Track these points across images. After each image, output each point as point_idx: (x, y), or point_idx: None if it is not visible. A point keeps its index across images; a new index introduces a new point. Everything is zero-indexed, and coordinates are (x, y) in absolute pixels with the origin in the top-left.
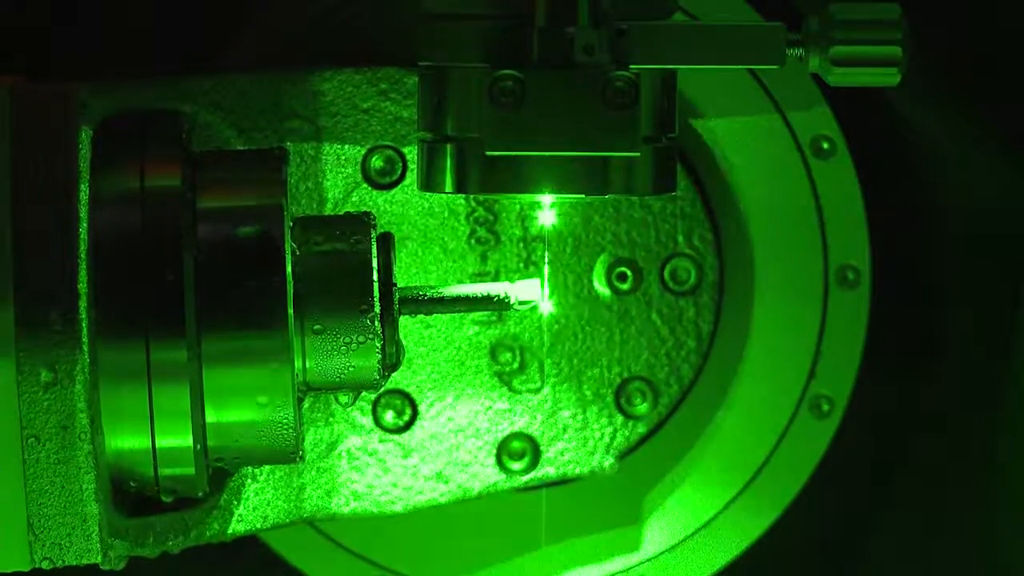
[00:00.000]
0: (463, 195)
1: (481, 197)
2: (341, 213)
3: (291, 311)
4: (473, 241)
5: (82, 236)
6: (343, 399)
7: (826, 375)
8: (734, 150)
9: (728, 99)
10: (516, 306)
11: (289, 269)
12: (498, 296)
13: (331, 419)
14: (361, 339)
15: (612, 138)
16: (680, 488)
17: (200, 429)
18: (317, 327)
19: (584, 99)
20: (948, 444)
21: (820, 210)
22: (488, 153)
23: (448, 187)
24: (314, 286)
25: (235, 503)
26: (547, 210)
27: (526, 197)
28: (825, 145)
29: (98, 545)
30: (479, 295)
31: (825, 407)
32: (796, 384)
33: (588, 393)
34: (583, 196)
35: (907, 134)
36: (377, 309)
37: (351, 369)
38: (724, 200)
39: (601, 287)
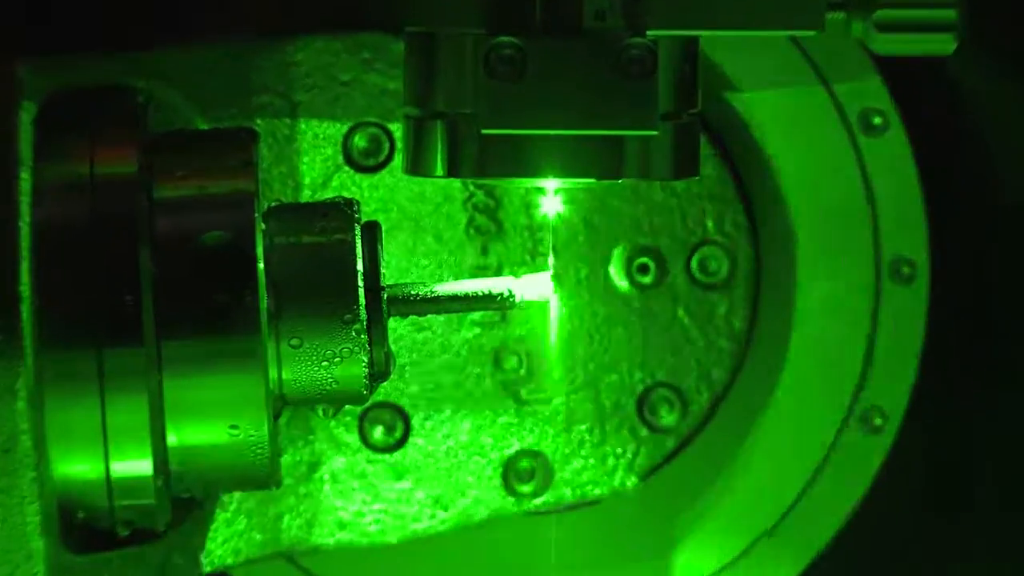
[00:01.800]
0: (455, 179)
1: (479, 181)
2: (320, 200)
3: (264, 321)
4: (472, 230)
5: (24, 231)
6: (323, 411)
7: (879, 384)
8: (772, 126)
9: (766, 68)
10: (522, 305)
11: (262, 271)
12: (501, 294)
13: (311, 437)
14: (345, 351)
15: (626, 114)
16: (712, 513)
17: (161, 452)
18: (294, 341)
19: (594, 70)
20: (1022, 463)
21: (871, 194)
22: (484, 131)
23: (438, 170)
24: (290, 290)
25: (202, 536)
26: (552, 197)
27: (528, 182)
28: (876, 120)
29: None
30: (479, 293)
31: (877, 421)
32: (844, 394)
33: (606, 403)
34: (593, 181)
35: (970, 107)
36: (363, 316)
37: (334, 383)
38: (760, 183)
39: (620, 281)
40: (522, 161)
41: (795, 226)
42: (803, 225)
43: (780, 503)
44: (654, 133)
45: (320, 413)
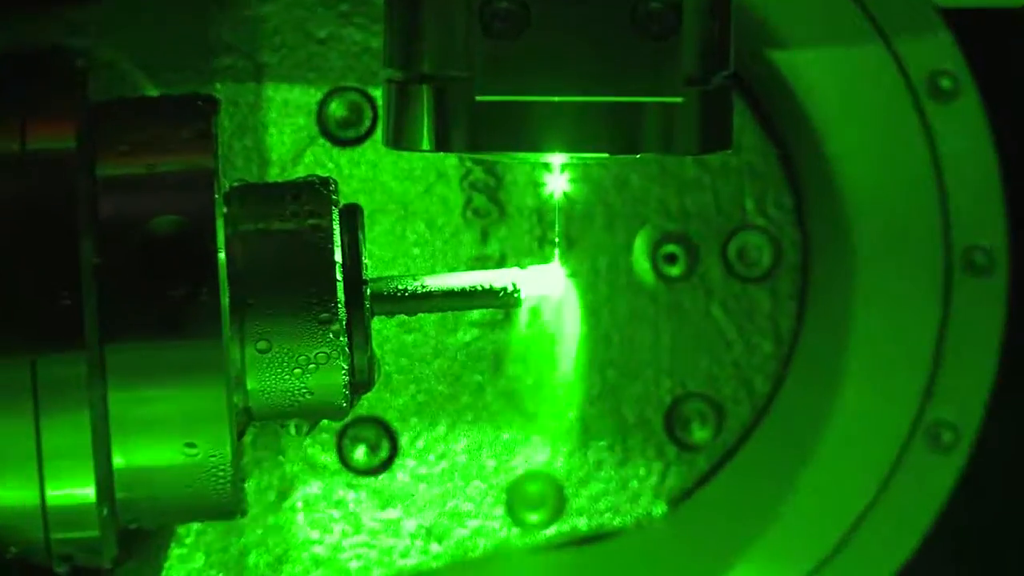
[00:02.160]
0: (449, 154)
1: (475, 156)
2: (291, 180)
3: (226, 321)
4: (470, 214)
5: None
6: (295, 427)
7: (948, 394)
8: (823, 90)
9: (818, 23)
10: (529, 301)
11: (223, 262)
12: (504, 288)
13: (281, 459)
14: (321, 357)
15: (645, 78)
16: (755, 545)
17: (105, 476)
18: (261, 344)
19: (608, 26)
20: None
21: (939, 171)
22: (479, 98)
23: (425, 143)
24: (256, 285)
25: (153, 575)
26: (561, 175)
27: (531, 157)
28: (946, 84)
29: None
30: (478, 287)
31: (947, 437)
32: (908, 406)
33: (629, 417)
34: (606, 156)
35: None
36: (341, 316)
37: (308, 394)
38: (809, 158)
39: (644, 272)
40: (523, 132)
41: (850, 208)
42: (859, 207)
43: (834, 533)
44: (678, 100)
45: (292, 430)
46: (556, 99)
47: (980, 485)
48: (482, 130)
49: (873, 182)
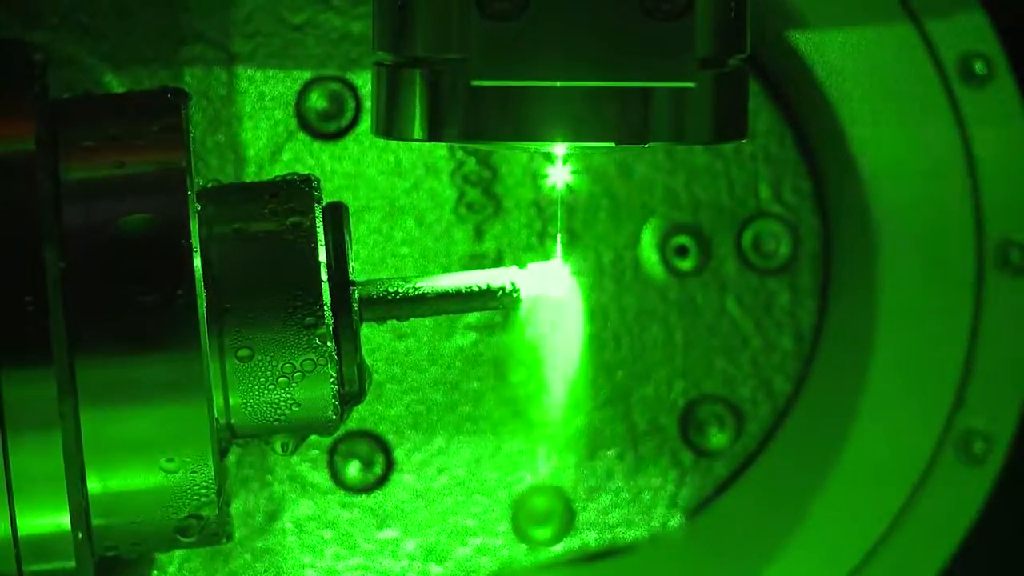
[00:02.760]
0: (442, 144)
1: (470, 147)
2: (270, 179)
3: (204, 328)
4: (463, 209)
5: None
6: (281, 446)
7: (980, 400)
8: (847, 71)
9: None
10: (528, 302)
11: (199, 268)
12: (502, 288)
13: (269, 478)
14: (308, 364)
15: (654, 61)
16: (776, 558)
17: (80, 500)
18: (243, 352)
19: (614, 5)
20: None
21: (972, 159)
22: (475, 83)
23: (417, 132)
24: (236, 289)
25: None
26: (563, 166)
27: (531, 146)
28: (979, 67)
29: None
30: (475, 288)
31: (979, 447)
32: (937, 413)
33: (640, 422)
34: (612, 146)
35: None
36: (328, 320)
37: (295, 406)
38: (830, 144)
39: (653, 267)
40: (522, 120)
41: (873, 197)
42: (883, 196)
43: (859, 547)
44: (690, 85)
45: (278, 448)
46: (558, 84)
47: (1014, 498)
48: (479, 117)
49: (898, 169)
